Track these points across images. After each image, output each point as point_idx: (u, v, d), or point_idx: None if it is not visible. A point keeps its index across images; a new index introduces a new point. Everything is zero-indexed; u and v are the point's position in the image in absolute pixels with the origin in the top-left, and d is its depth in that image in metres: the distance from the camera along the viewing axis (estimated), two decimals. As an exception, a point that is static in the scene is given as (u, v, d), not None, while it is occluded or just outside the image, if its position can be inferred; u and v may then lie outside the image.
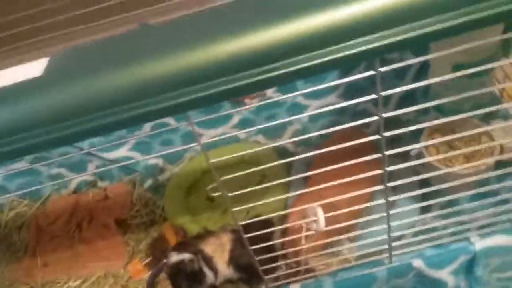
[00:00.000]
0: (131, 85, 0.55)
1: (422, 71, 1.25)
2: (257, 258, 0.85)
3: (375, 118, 0.61)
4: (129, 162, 1.36)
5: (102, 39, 0.61)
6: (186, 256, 1.06)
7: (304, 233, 0.92)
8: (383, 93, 0.58)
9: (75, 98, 0.56)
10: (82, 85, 0.56)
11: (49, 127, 0.56)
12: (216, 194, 0.66)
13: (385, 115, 0.60)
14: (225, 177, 0.65)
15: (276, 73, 0.53)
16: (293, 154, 1.40)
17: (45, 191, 1.46)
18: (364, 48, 0.50)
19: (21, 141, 0.56)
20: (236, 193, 0.67)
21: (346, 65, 0.52)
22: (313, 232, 0.94)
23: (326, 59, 0.51)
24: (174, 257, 1.07)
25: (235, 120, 1.47)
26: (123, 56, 0.57)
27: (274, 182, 0.77)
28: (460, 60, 0.96)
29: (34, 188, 0.83)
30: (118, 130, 0.58)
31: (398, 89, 0.60)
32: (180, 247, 1.10)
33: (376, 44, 0.50)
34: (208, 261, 1.08)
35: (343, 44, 0.51)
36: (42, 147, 0.57)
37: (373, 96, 0.58)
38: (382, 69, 0.55)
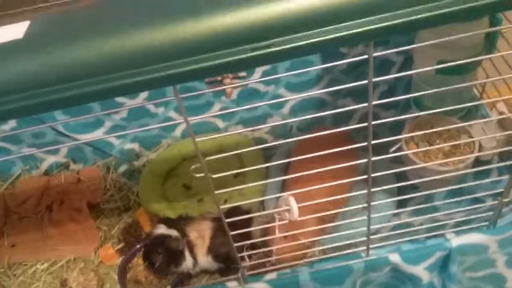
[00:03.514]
0: (112, 55, 0.53)
1: (405, 68, 1.26)
2: (236, 245, 0.84)
3: (364, 105, 0.61)
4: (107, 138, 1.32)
5: (87, 5, 0.58)
6: (173, 232, 1.04)
7: (276, 223, 0.91)
8: (375, 80, 0.57)
9: (52, 65, 0.53)
10: (62, 51, 0.54)
11: (25, 93, 0.54)
12: (199, 175, 0.64)
13: (374, 102, 0.60)
14: (209, 158, 0.64)
15: (269, 50, 0.51)
16: (272, 148, 1.38)
17: (14, 171, 1.41)
18: (361, 29, 0.50)
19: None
20: (218, 175, 0.65)
21: (341, 45, 0.51)
22: (286, 221, 0.93)
23: (323, 38, 0.50)
24: (161, 230, 1.05)
25: (216, 108, 1.44)
26: (108, 24, 0.55)
27: (252, 168, 0.75)
28: (444, 57, 0.97)
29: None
30: (93, 101, 0.56)
31: (388, 77, 0.60)
32: (168, 222, 1.08)
33: (372, 26, 0.50)
34: (191, 248, 1.06)
35: (340, 25, 0.50)
36: (17, 113, 0.54)
37: (364, 82, 0.58)
38: (376, 54, 0.54)
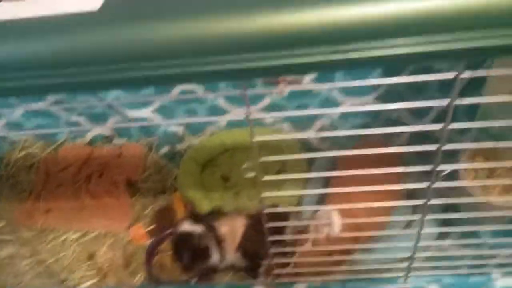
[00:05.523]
0: (188, 39, 0.50)
1: (471, 86, 1.18)
2: (270, 250, 0.81)
3: (440, 126, 0.56)
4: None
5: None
6: (197, 229, 1.03)
7: (310, 235, 0.87)
8: (456, 102, 0.53)
9: (125, 42, 0.51)
10: (135, 29, 0.52)
11: (93, 67, 0.52)
12: (251, 175, 0.61)
13: (450, 126, 0.55)
14: (265, 159, 0.61)
15: (349, 56, 0.48)
16: (316, 150, 1.34)
17: (60, 136, 1.43)
18: (457, 46, 0.45)
19: (61, 76, 0.52)
20: (271, 178, 0.62)
21: (428, 61, 0.47)
22: (323, 235, 0.90)
23: (411, 50, 0.46)
24: (186, 226, 1.04)
25: (265, 102, 1.41)
26: (187, 6, 0.52)
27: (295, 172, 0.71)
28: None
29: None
30: (160, 85, 0.55)
31: (473, 99, 0.55)
32: (194, 218, 1.07)
33: (471, 44, 0.45)
34: (220, 242, 1.04)
35: (433, 37, 0.46)
36: (82, 87, 0.53)
37: (447, 100, 0.53)
38: (463, 76, 0.50)
